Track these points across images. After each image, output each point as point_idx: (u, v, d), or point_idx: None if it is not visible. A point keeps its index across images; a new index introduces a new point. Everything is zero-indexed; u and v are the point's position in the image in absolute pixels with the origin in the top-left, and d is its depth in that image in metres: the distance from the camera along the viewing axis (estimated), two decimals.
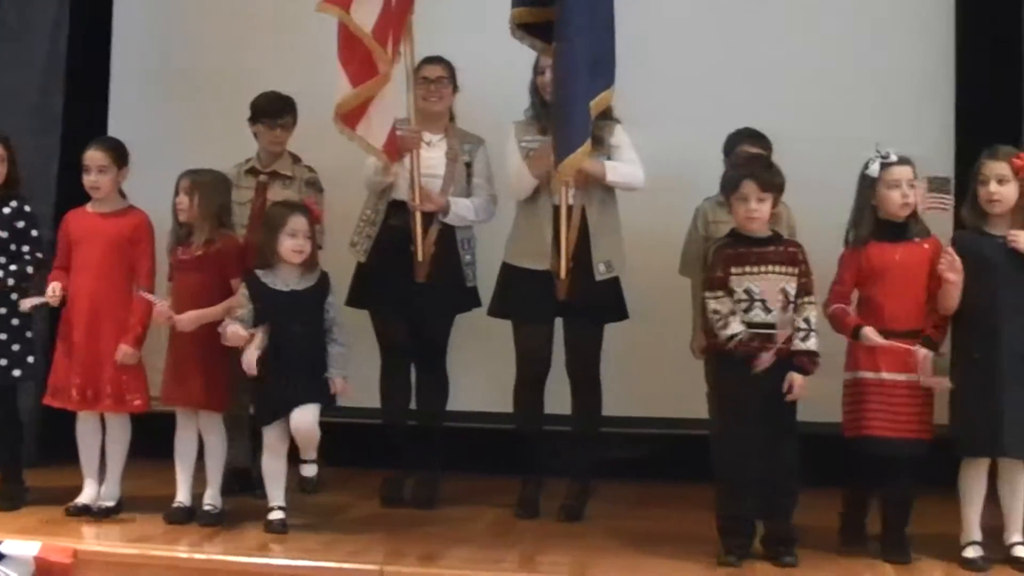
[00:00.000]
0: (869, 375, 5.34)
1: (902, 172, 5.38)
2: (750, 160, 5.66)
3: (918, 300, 5.37)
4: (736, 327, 5.23)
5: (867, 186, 5.45)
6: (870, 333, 5.28)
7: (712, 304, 5.30)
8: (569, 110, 5.70)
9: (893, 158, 5.40)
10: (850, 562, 5.29)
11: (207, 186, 5.84)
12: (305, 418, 5.61)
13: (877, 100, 6.80)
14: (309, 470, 5.70)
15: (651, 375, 6.66)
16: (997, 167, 5.31)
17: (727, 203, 5.47)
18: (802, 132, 6.42)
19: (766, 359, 5.16)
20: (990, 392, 5.21)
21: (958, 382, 5.31)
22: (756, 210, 5.31)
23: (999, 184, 5.28)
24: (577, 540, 5.65)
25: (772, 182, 5.36)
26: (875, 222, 5.44)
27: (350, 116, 6.00)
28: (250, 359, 5.55)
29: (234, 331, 5.60)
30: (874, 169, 5.41)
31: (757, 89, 6.81)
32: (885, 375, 5.31)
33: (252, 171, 6.43)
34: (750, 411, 5.24)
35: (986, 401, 5.21)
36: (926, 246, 5.40)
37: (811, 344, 5.28)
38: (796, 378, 5.24)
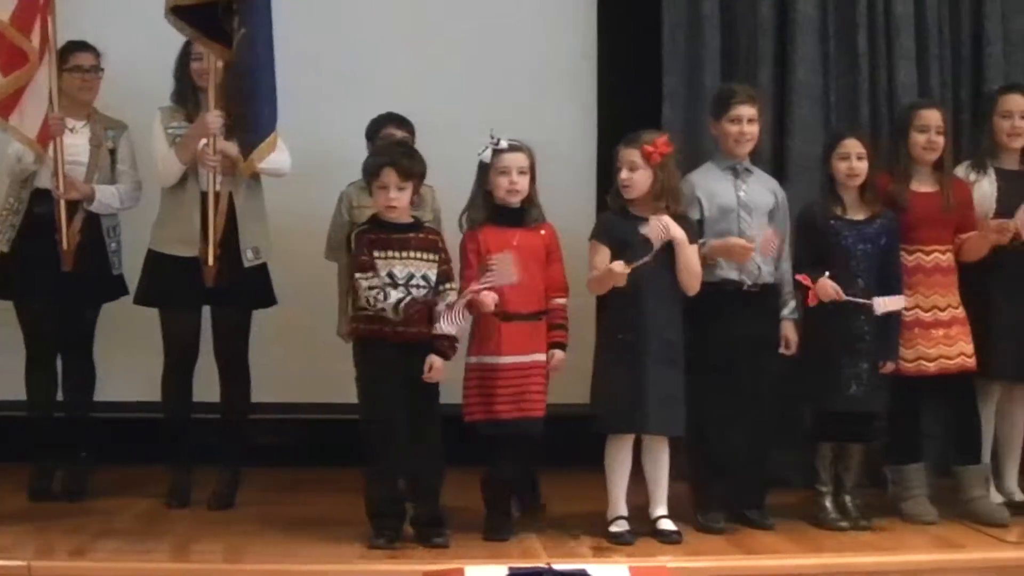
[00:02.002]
0: (489, 359, 5.57)
1: (512, 159, 5.60)
2: (391, 147, 5.76)
3: (537, 284, 5.62)
4: (396, 295, 5.36)
5: (482, 172, 5.65)
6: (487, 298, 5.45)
7: (365, 283, 5.41)
8: (260, 98, 5.78)
9: (504, 145, 5.61)
10: (498, 543, 5.49)
11: None
12: None
13: (524, 87, 7.09)
14: None
15: (300, 360, 6.80)
16: (629, 154, 5.62)
17: (368, 189, 5.61)
18: (451, 119, 6.64)
19: None
20: (635, 372, 5.53)
21: (603, 362, 5.64)
22: (396, 198, 5.44)
23: (630, 171, 5.60)
24: (229, 527, 5.76)
25: (412, 170, 5.48)
26: (490, 207, 5.65)
27: (2, 106, 5.95)
28: None
29: None
30: (486, 155, 5.61)
31: (403, 75, 6.98)
32: (506, 358, 5.55)
33: None
34: (394, 394, 5.42)
35: (631, 381, 5.52)
36: (542, 232, 5.67)
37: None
38: (435, 360, 5.41)
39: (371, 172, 5.54)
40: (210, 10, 5.85)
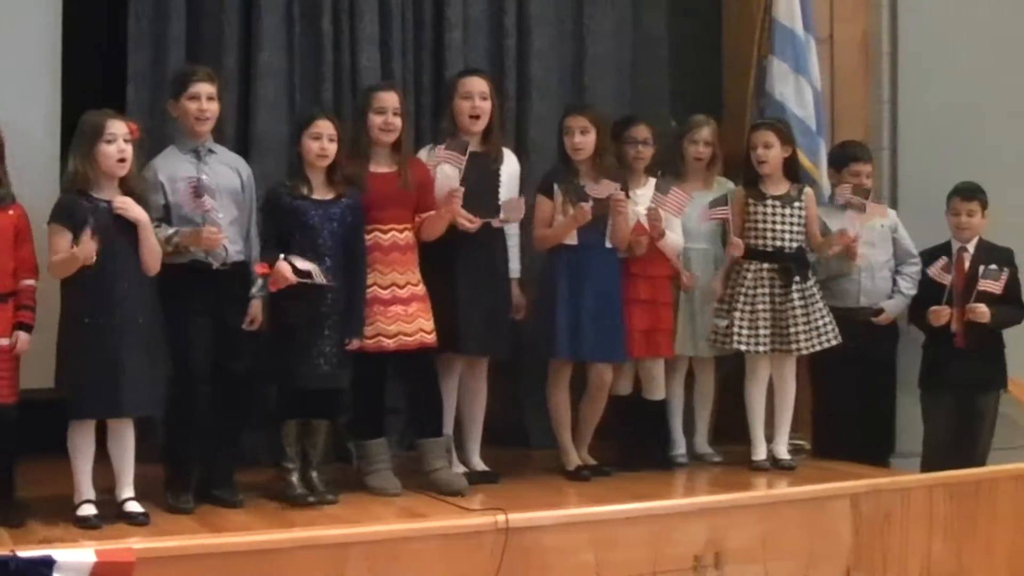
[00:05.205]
0: None
1: None
2: None
3: (5, 265, 5.73)
4: None
5: None
6: None
7: None
8: None
9: None
10: None
11: None
12: None
13: None
14: None
15: None
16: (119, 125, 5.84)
17: None
18: None
19: None
20: (107, 356, 5.70)
21: (71, 346, 5.76)
22: None
23: (114, 143, 5.78)
24: None
25: None
26: None
27: None
28: None
29: None
30: None
31: None
32: None
33: None
34: None
35: (104, 364, 5.69)
36: (11, 212, 5.78)
37: None
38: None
39: None
40: None
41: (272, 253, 6.18)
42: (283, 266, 6.11)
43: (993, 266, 7.47)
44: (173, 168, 6.19)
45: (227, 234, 6.12)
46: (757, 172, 7.31)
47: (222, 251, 6.14)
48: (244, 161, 6.53)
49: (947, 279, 7.48)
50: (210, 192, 6.07)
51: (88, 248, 5.64)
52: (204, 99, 6.20)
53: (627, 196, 7.00)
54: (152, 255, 5.88)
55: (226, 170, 6.30)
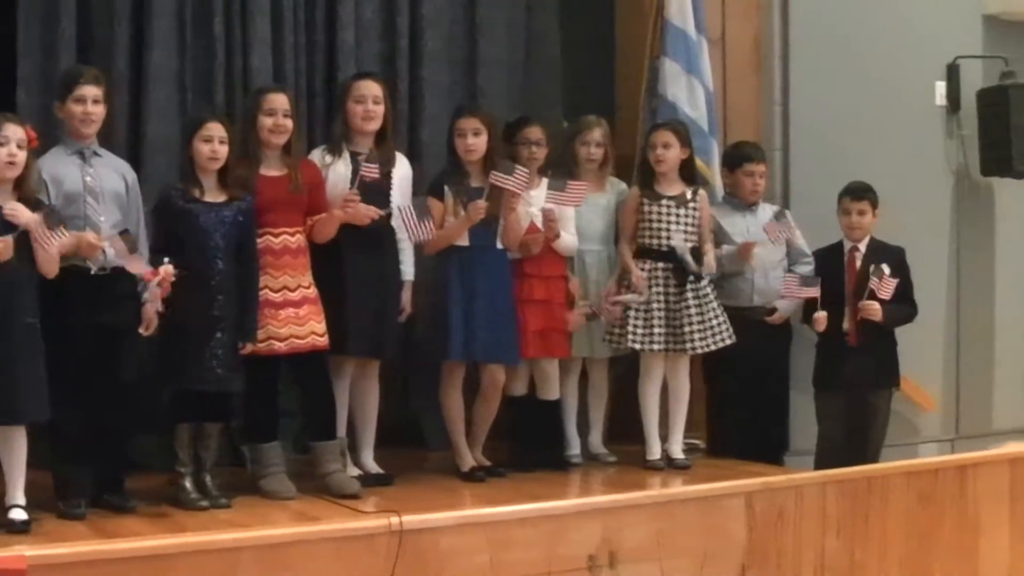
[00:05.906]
0: None
1: None
2: None
3: None
4: None
5: None
6: None
7: None
8: None
9: None
10: None
11: None
12: None
13: None
14: None
15: None
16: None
17: None
18: None
19: None
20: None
21: None
22: None
23: (5, 146, 5.76)
24: None
25: None
26: None
27: None
28: None
29: None
30: None
31: None
32: None
33: None
34: None
35: None
36: None
37: None
38: None
39: None
40: None
41: (158, 258, 6.15)
42: (166, 268, 6.08)
43: (884, 266, 7.59)
44: (57, 169, 6.16)
45: (109, 239, 6.10)
46: (653, 172, 7.38)
47: (100, 255, 6.12)
48: (129, 167, 6.50)
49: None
50: (94, 195, 6.13)
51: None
52: (90, 102, 6.19)
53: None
54: (48, 260, 5.87)
55: (111, 174, 6.29)
